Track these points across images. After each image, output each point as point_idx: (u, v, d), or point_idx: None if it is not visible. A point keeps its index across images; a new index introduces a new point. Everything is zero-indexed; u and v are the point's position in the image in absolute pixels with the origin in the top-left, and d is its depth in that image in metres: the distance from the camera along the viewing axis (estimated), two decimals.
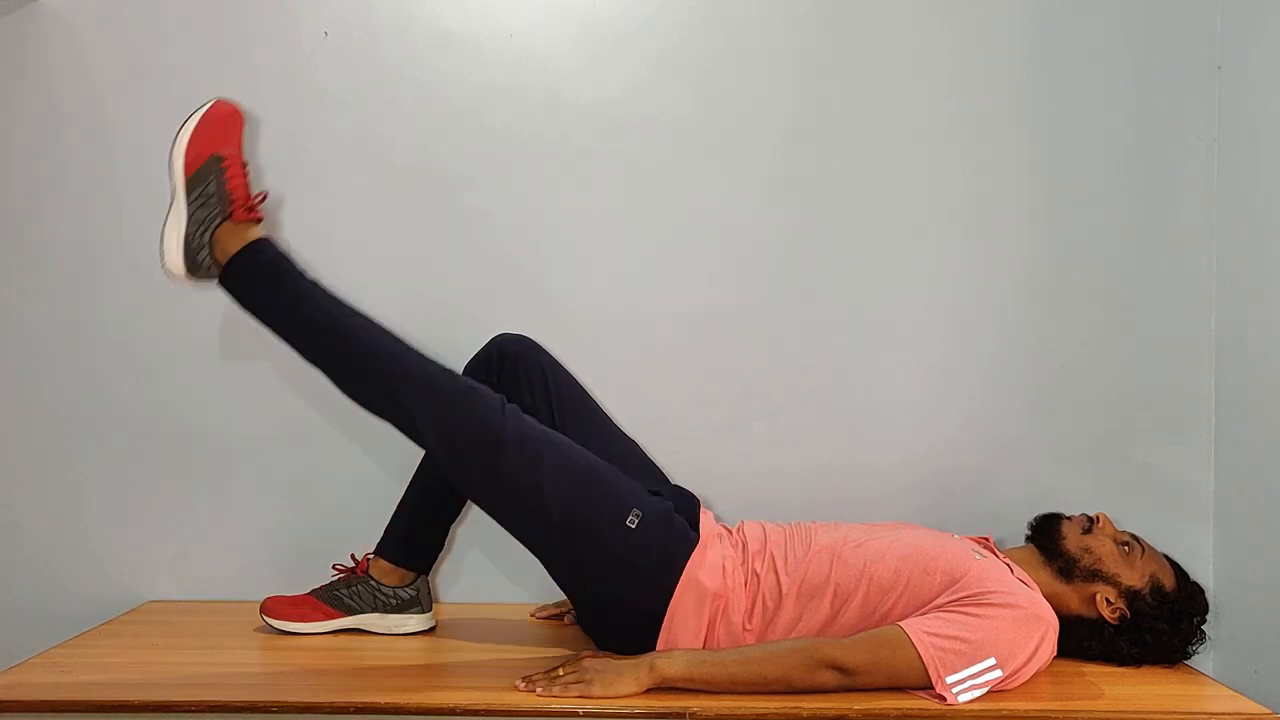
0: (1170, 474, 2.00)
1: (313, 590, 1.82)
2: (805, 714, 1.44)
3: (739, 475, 2.00)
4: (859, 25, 2.01)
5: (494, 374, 1.79)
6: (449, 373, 1.66)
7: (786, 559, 1.65)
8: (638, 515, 1.62)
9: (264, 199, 1.69)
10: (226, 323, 2.03)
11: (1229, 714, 1.48)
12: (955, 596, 1.53)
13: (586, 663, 1.53)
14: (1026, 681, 1.52)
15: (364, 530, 1.85)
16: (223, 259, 1.64)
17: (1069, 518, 1.73)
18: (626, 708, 1.46)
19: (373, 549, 1.83)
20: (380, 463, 1.98)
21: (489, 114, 2.02)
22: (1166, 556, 1.71)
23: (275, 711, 1.47)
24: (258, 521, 2.03)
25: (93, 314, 2.03)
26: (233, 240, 1.64)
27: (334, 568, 1.85)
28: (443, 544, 1.87)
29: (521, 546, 2.00)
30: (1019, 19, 2.00)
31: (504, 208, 2.02)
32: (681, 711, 1.45)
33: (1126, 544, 1.68)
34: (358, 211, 2.03)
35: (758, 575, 1.64)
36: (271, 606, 1.80)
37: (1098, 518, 1.72)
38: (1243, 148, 1.93)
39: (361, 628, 1.80)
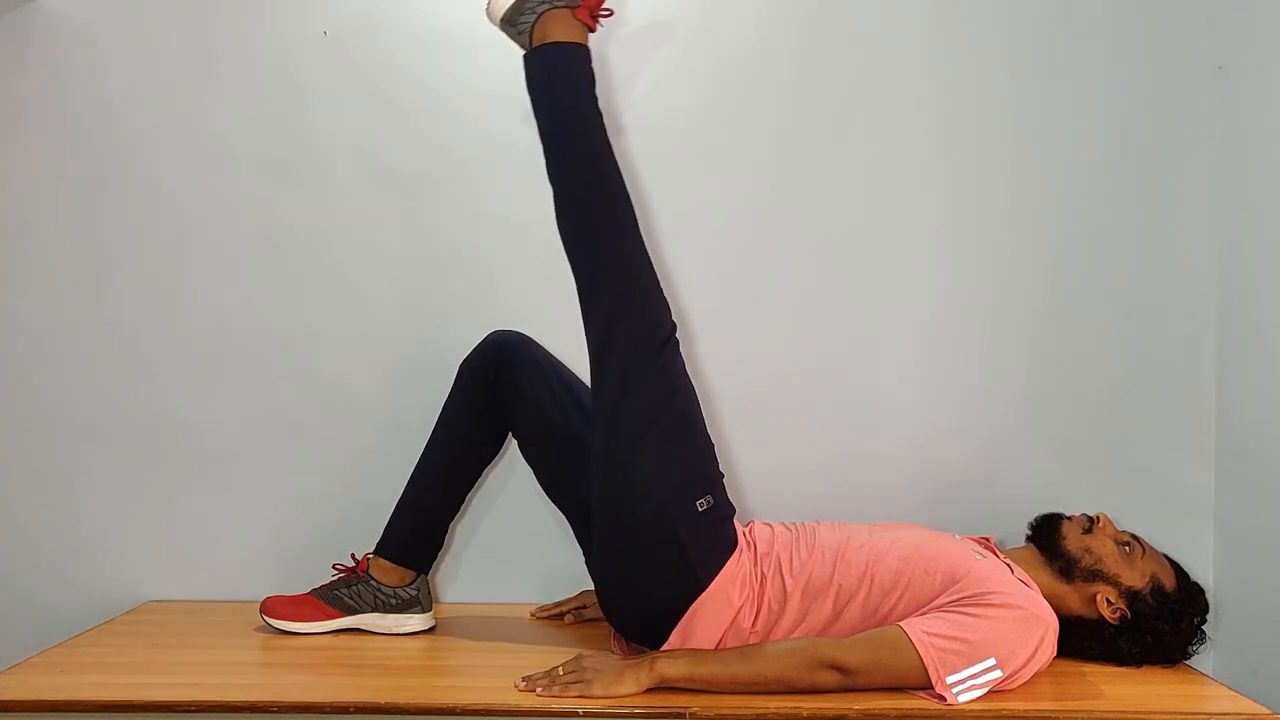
0: (1170, 474, 2.00)
1: (313, 590, 1.82)
2: (805, 714, 1.44)
3: (739, 475, 2.00)
4: (859, 27, 2.01)
5: (490, 371, 1.78)
6: (653, 271, 1.66)
7: (792, 561, 1.65)
8: (708, 502, 1.62)
9: (610, 16, 1.69)
10: (227, 323, 2.03)
11: (1229, 714, 1.48)
12: (955, 597, 1.53)
13: (586, 663, 1.53)
14: (1026, 681, 1.52)
15: (364, 530, 1.85)
16: (540, 39, 1.63)
17: (1069, 518, 1.73)
18: (626, 708, 1.46)
19: (373, 549, 1.83)
20: (380, 463, 1.98)
21: (489, 114, 2.02)
22: (1166, 556, 1.71)
23: (275, 711, 1.47)
24: (258, 521, 2.03)
25: (92, 314, 2.03)
26: (561, 29, 1.63)
27: (334, 568, 1.85)
28: (443, 543, 1.87)
29: (522, 545, 2.02)
30: (1019, 19, 2.00)
31: (504, 208, 2.02)
32: (681, 711, 1.45)
33: (1127, 544, 1.68)
34: (357, 211, 2.03)
35: (764, 577, 1.64)
36: (271, 606, 1.80)
37: (1098, 518, 1.72)
38: (1243, 148, 1.92)
39: (361, 628, 1.80)
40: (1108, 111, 2.00)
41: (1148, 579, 1.65)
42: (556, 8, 1.64)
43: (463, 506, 1.88)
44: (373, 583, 1.80)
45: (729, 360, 2.02)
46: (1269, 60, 1.86)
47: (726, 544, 1.63)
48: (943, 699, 1.46)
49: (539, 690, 1.49)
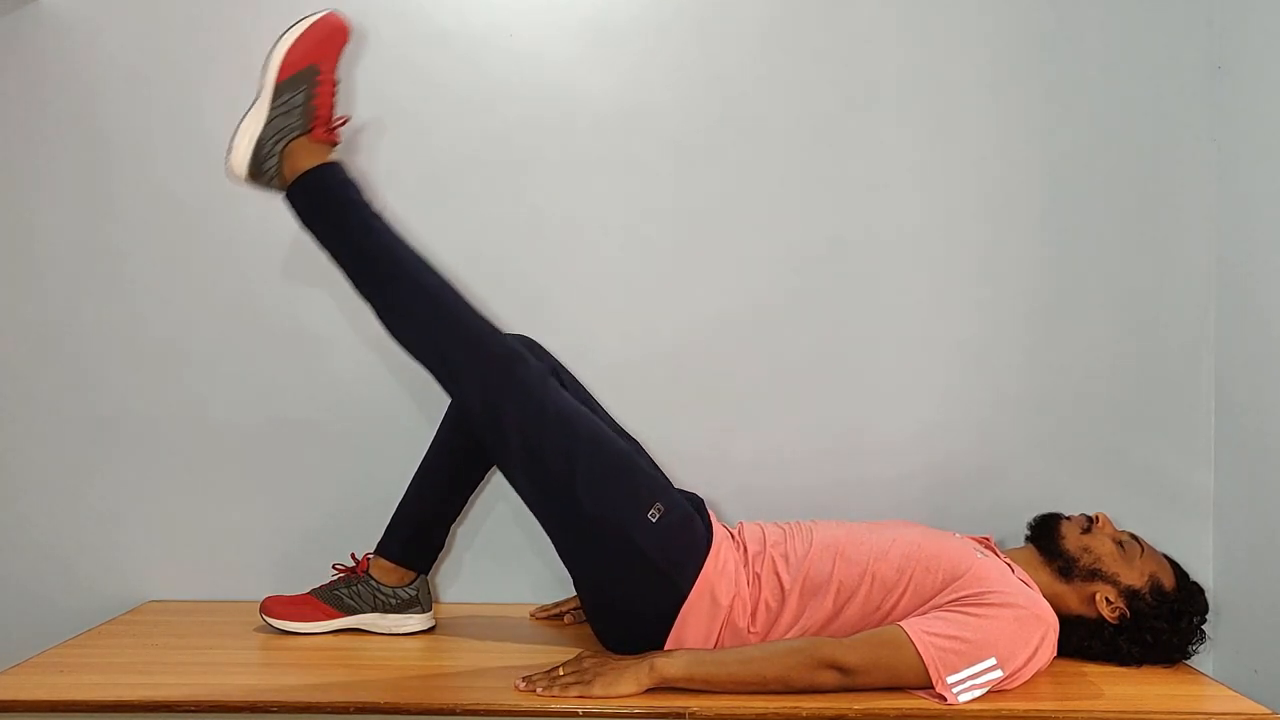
0: (1170, 474, 2.00)
1: (313, 590, 1.82)
2: (805, 714, 1.44)
3: (740, 476, 2.00)
4: (859, 28, 2.01)
5: None
6: (498, 333, 1.65)
7: (788, 558, 1.64)
8: (660, 510, 1.61)
9: (345, 123, 1.67)
10: (228, 322, 2.03)
11: (1229, 714, 1.48)
12: (955, 596, 1.53)
13: (586, 663, 1.53)
14: (1026, 681, 1.52)
15: (364, 530, 1.85)
16: (291, 175, 1.62)
17: (1068, 517, 1.73)
18: (626, 708, 1.46)
19: (373, 549, 1.83)
20: (380, 463, 1.98)
21: (489, 113, 2.02)
22: (1166, 556, 1.71)
23: (275, 711, 1.47)
24: (258, 521, 2.03)
25: (93, 313, 2.03)
26: (305, 157, 1.62)
27: (334, 568, 1.85)
28: (443, 544, 1.86)
29: (522, 546, 2.02)
30: (1019, 20, 2.00)
31: (503, 208, 2.02)
32: (681, 711, 1.45)
33: (1126, 543, 1.68)
34: None
35: (759, 577, 1.63)
36: (271, 606, 1.80)
37: (1097, 517, 1.72)
38: (1243, 148, 1.93)
39: (361, 628, 1.80)
40: (1106, 111, 2.00)
41: (1147, 578, 1.65)
42: (292, 140, 1.61)
43: (464, 507, 1.88)
44: (373, 583, 1.80)
45: (729, 361, 2.02)
46: (1267, 60, 1.86)
47: (697, 543, 1.63)
48: (943, 699, 1.46)
49: (539, 690, 1.49)
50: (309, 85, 1.61)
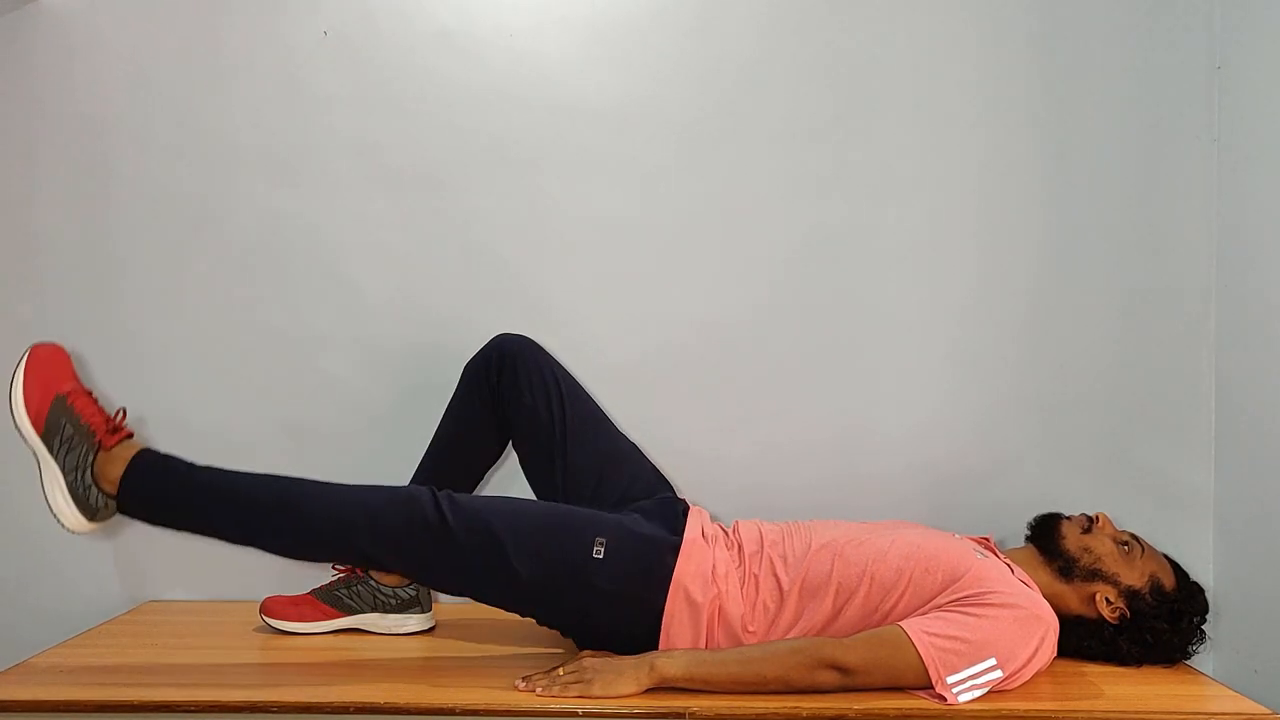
0: (1170, 474, 2.00)
1: (313, 590, 1.82)
2: (805, 714, 1.44)
3: (740, 476, 2.00)
4: (859, 27, 2.01)
5: (494, 374, 1.79)
6: (373, 489, 1.63)
7: (786, 559, 1.64)
8: (602, 544, 1.60)
9: (124, 415, 1.62)
10: (228, 323, 2.03)
11: (1229, 714, 1.48)
12: (955, 596, 1.53)
13: (586, 662, 1.53)
14: (1026, 681, 1.52)
15: None
16: (112, 489, 1.57)
17: (1069, 517, 1.73)
18: (626, 708, 1.46)
19: None
20: (380, 463, 1.97)
21: (489, 114, 2.02)
22: (1166, 556, 1.71)
23: (275, 711, 1.47)
24: None
25: (93, 314, 2.03)
26: (114, 466, 1.57)
27: (334, 567, 1.85)
28: None
29: None
30: (1018, 19, 2.00)
31: (504, 208, 2.02)
32: (681, 711, 1.45)
33: (1126, 543, 1.68)
34: (357, 211, 2.03)
35: (756, 578, 1.63)
36: (271, 606, 1.80)
37: (1097, 517, 1.72)
38: (1243, 148, 1.92)
39: (361, 628, 1.80)
40: (1106, 111, 2.00)
41: (1147, 578, 1.65)
42: (92, 464, 1.57)
43: None
44: (372, 583, 1.80)
45: (729, 361, 2.02)
46: (1268, 60, 1.86)
47: (658, 557, 1.61)
48: (943, 699, 1.46)
49: (539, 690, 1.49)
50: (67, 413, 1.57)
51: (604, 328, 2.02)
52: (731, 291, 2.02)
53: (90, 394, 1.62)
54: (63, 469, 1.57)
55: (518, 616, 1.68)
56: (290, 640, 1.77)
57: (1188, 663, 1.68)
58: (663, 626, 1.60)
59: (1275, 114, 1.84)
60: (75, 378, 1.61)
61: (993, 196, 2.02)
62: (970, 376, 2.02)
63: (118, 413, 1.63)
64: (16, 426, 1.56)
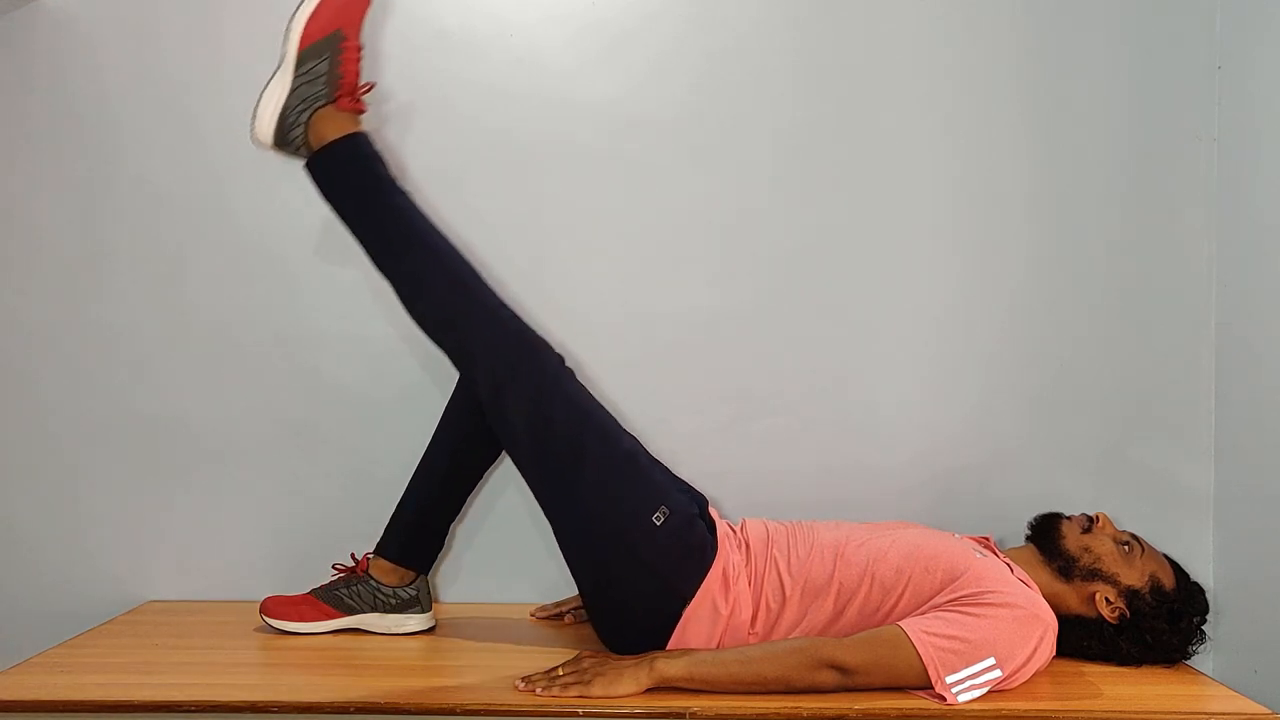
0: (1170, 474, 2.00)
1: (313, 590, 1.82)
2: (805, 714, 1.44)
3: (739, 475, 2.00)
4: (857, 26, 2.01)
5: None
6: (514, 314, 1.64)
7: (789, 560, 1.64)
8: (665, 513, 1.60)
9: (371, 90, 1.64)
10: (227, 323, 2.03)
11: (1229, 714, 1.48)
12: (954, 596, 1.53)
13: (586, 663, 1.53)
14: (1026, 681, 1.52)
15: (364, 530, 1.85)
16: (316, 144, 1.59)
17: (1069, 517, 1.73)
18: (626, 708, 1.46)
19: (373, 549, 1.83)
20: (380, 462, 1.98)
21: (488, 114, 2.02)
22: (1166, 556, 1.71)
23: (275, 711, 1.47)
24: (257, 521, 2.03)
25: (93, 314, 2.03)
26: (331, 127, 1.59)
27: (334, 568, 1.85)
28: (442, 543, 1.86)
29: (521, 546, 2.02)
30: (1018, 18, 2.00)
31: (504, 208, 2.02)
32: (681, 711, 1.45)
33: (1126, 543, 1.68)
34: None
35: (761, 578, 1.63)
36: (271, 606, 1.80)
37: (1097, 517, 1.72)
38: (1243, 148, 1.92)
39: (361, 628, 1.80)
40: (1106, 111, 2.00)
41: (1147, 578, 1.65)
42: (317, 109, 1.59)
43: (463, 507, 1.88)
44: (372, 583, 1.80)
45: (728, 361, 2.02)
46: (1268, 60, 1.86)
47: (700, 551, 1.62)
48: (942, 699, 1.46)
49: (539, 690, 1.49)
50: (333, 52, 1.58)
51: (604, 327, 2.02)
52: (730, 288, 2.02)
53: (361, 52, 1.62)
54: (292, 92, 1.58)
55: (516, 616, 1.68)
56: (290, 640, 1.77)
57: (1188, 663, 1.68)
58: (680, 622, 1.59)
59: (1275, 114, 1.84)
60: (359, 29, 1.62)
61: (993, 195, 2.02)
62: (970, 376, 2.02)
63: (368, 85, 1.64)
64: (288, 27, 1.59)
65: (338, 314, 2.03)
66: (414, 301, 1.65)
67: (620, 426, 1.68)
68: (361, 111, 1.64)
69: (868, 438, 2.02)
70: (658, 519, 1.60)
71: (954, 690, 1.46)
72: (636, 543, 1.58)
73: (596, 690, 1.47)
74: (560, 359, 1.64)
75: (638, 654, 1.56)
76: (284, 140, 1.60)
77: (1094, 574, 1.66)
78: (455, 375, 1.82)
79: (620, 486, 1.60)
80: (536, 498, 1.67)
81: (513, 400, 1.61)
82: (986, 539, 1.76)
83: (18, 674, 1.59)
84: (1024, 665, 1.50)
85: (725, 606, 1.60)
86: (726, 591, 1.61)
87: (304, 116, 1.59)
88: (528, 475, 1.66)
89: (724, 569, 1.62)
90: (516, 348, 1.61)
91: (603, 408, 1.68)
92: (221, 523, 2.04)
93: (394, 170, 1.65)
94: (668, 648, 1.60)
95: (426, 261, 1.62)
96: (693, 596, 1.59)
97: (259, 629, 1.81)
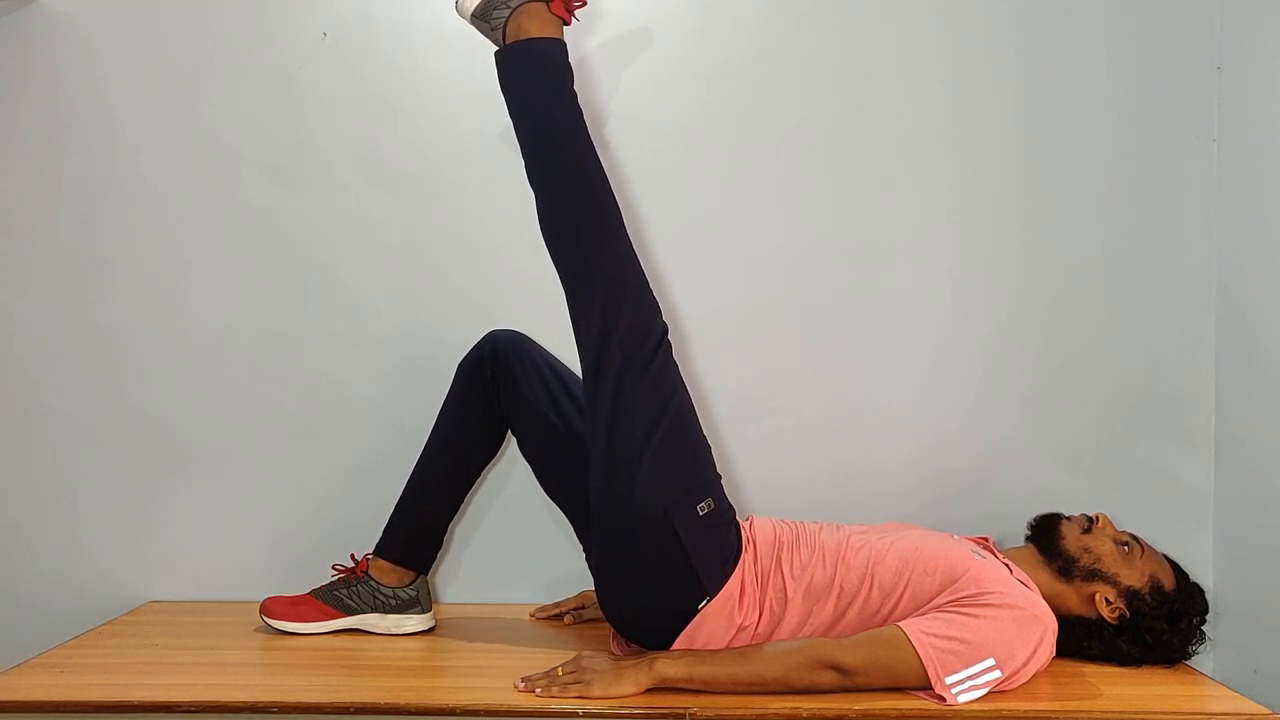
0: (1170, 474, 2.00)
1: (313, 590, 1.82)
2: (805, 714, 1.44)
3: (739, 475, 2.00)
4: (858, 28, 2.01)
5: (487, 368, 1.78)
6: (643, 270, 1.63)
7: (793, 562, 1.64)
8: (709, 505, 1.60)
9: (584, 6, 1.64)
10: (227, 323, 2.03)
11: (1229, 714, 1.48)
12: (954, 597, 1.53)
13: (586, 663, 1.53)
14: (1026, 682, 1.52)
15: (364, 530, 1.85)
16: (514, 35, 1.59)
17: (1068, 518, 1.73)
18: (626, 708, 1.46)
19: (372, 549, 1.83)
20: (380, 462, 1.98)
21: (488, 114, 2.01)
22: (1166, 556, 1.71)
23: (275, 711, 1.47)
24: (257, 521, 2.03)
25: (92, 314, 2.03)
26: (536, 24, 1.59)
27: (334, 568, 1.86)
28: (442, 543, 1.87)
29: (521, 546, 2.02)
30: (1018, 19, 2.00)
31: (504, 208, 2.02)
32: (681, 711, 1.45)
33: (1126, 544, 1.68)
34: (356, 211, 2.03)
35: (766, 578, 1.63)
36: (271, 606, 1.80)
37: (1097, 518, 1.72)
38: (1243, 148, 1.92)
39: (361, 628, 1.80)
40: (1107, 112, 2.00)
41: (1147, 579, 1.65)
42: (531, 2, 1.59)
43: (462, 507, 1.88)
44: (372, 583, 1.80)
45: (727, 362, 2.02)
46: (1268, 60, 1.86)
47: (729, 550, 1.62)
48: (942, 699, 1.46)
49: (538, 690, 1.49)
50: None
51: None
52: (728, 294, 2.02)
53: None
54: None
55: (516, 616, 1.67)
56: (290, 640, 1.77)
57: (1187, 663, 1.68)
58: (698, 615, 1.58)
59: (1275, 114, 1.84)
60: None
61: (992, 196, 2.01)
62: (970, 376, 2.02)
63: (582, 1, 1.64)
64: None
65: (338, 314, 2.03)
66: (551, 221, 1.64)
67: (694, 416, 1.66)
68: (568, 22, 1.63)
69: (867, 439, 2.02)
70: (702, 508, 1.59)
71: (954, 691, 1.46)
72: (678, 522, 1.57)
73: (596, 690, 1.47)
74: (665, 329, 1.63)
75: (639, 641, 1.57)
76: (486, 14, 1.59)
77: (1094, 574, 1.65)
78: (453, 373, 1.82)
79: (681, 466, 1.60)
80: (591, 451, 1.63)
81: (612, 350, 1.59)
82: (985, 540, 1.76)
83: (17, 674, 1.59)
84: (1024, 666, 1.50)
85: (740, 615, 1.60)
86: (742, 600, 1.60)
87: (516, 2, 1.58)
88: (594, 416, 1.62)
89: (744, 579, 1.61)
90: (632, 303, 1.60)
91: (687, 393, 1.66)
92: (221, 523, 2.04)
93: (576, 91, 1.64)
94: (675, 646, 1.60)
95: (578, 187, 1.61)
96: (714, 594, 1.59)
97: (259, 629, 1.81)
